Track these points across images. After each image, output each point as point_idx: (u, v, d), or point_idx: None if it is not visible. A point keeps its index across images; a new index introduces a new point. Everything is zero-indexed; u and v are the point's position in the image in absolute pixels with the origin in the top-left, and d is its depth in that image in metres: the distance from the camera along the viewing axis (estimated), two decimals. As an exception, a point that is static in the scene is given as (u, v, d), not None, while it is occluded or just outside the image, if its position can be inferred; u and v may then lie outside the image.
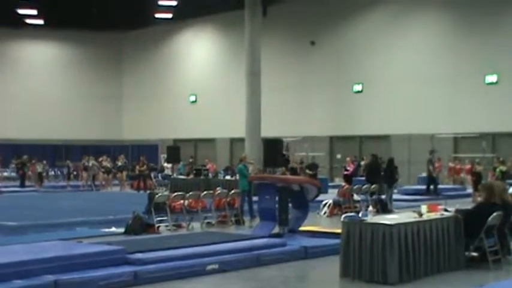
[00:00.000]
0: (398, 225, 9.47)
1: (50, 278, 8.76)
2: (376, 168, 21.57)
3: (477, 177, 23.76)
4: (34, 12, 38.01)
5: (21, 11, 37.72)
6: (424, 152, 30.87)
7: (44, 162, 33.81)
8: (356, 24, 34.35)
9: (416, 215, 10.30)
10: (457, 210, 10.77)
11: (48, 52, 44.21)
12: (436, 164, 29.60)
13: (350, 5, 34.41)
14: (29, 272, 8.79)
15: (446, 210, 10.85)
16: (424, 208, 10.65)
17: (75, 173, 33.74)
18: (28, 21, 40.00)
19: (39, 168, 32.21)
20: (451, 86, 30.79)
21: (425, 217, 10.22)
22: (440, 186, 26.75)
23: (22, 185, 31.66)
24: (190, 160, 33.55)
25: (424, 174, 29.37)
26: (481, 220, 10.26)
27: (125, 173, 31.88)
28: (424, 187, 25.97)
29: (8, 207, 20.39)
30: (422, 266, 9.72)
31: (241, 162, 18.44)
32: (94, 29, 42.56)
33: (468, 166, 27.96)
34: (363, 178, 23.10)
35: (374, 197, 20.55)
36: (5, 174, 36.36)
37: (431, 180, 25.58)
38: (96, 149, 37.60)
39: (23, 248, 10.44)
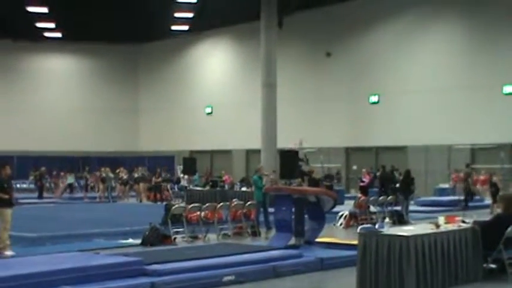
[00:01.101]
0: (415, 237, 9.42)
1: (68, 289, 8.82)
2: (387, 180, 21.52)
3: (495, 188, 23.58)
4: (52, 25, 38.41)
5: (39, 25, 38.13)
6: (440, 163, 30.77)
7: (68, 173, 34.24)
8: (372, 36, 34.34)
9: (433, 226, 10.24)
10: (474, 222, 10.69)
11: (66, 65, 44.58)
12: (453, 175, 29.45)
13: (366, 16, 34.40)
14: (48, 283, 8.85)
15: (463, 221, 10.77)
16: (441, 219, 10.58)
17: (92, 184, 33.90)
18: (46, 34, 40.43)
19: (70, 179, 32.80)
20: (468, 96, 30.65)
21: (442, 228, 10.16)
22: (457, 197, 26.57)
23: (40, 197, 31.87)
24: (206, 172, 33.64)
25: (442, 186, 29.29)
26: (500, 231, 10.18)
27: (142, 185, 31.92)
28: (441, 198, 25.79)
29: (27, 219, 20.52)
30: (440, 278, 9.65)
31: (256, 173, 18.47)
32: (111, 42, 42.90)
33: (482, 177, 27.74)
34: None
35: (390, 208, 20.47)
36: (24, 185, 36.66)
37: (468, 194, 25.23)
38: (113, 161, 37.76)
39: (42, 259, 10.52)
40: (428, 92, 31.77)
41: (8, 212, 13.06)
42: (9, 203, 13.16)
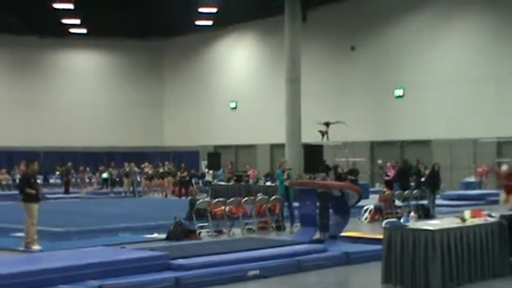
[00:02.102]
0: (441, 231, 9.37)
1: (94, 283, 8.91)
2: (406, 174, 21.41)
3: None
4: (77, 21, 38.69)
5: (65, 21, 38.44)
6: (466, 157, 30.48)
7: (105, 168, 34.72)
8: (396, 29, 34.11)
9: (459, 220, 10.18)
10: (501, 216, 10.60)
11: (91, 60, 44.91)
12: (480, 169, 29.14)
13: (390, 9, 34.16)
14: (74, 277, 8.97)
15: (490, 215, 10.68)
16: (467, 214, 10.51)
17: (117, 179, 34.19)
18: (71, 30, 40.75)
19: (105, 174, 33.29)
20: (494, 89, 30.31)
21: (468, 223, 10.09)
22: (484, 191, 26.35)
23: (66, 192, 32.22)
24: (230, 166, 33.71)
25: (468, 179, 29.00)
26: (526, 226, 10.10)
27: (168, 179, 32.06)
28: (468, 192, 25.58)
29: (54, 214, 20.76)
30: (466, 273, 9.59)
31: (280, 167, 18.48)
32: (135, 37, 43.13)
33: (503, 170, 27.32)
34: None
35: (415, 202, 20.37)
36: (51, 181, 37.09)
37: None
38: (138, 156, 37.99)
39: (68, 254, 10.66)
40: (453, 85, 31.48)
41: (35, 206, 13.24)
42: (36, 198, 13.33)
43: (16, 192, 31.40)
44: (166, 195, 31.15)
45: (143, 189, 32.16)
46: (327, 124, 29.19)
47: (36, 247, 13.06)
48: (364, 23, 35.05)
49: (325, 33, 36.86)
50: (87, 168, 37.01)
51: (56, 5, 34.81)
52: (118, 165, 35.71)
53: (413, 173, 24.45)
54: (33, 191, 13.26)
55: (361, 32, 35.25)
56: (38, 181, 15.45)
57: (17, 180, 34.68)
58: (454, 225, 9.87)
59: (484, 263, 9.88)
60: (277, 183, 18.39)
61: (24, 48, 42.08)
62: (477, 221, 10.28)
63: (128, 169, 32.38)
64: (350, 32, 35.61)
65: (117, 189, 33.00)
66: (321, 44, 36.94)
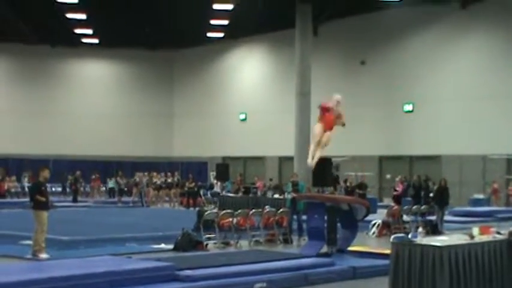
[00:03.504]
0: (449, 248, 9.32)
1: (101, 292, 8.91)
2: (421, 189, 21.34)
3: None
4: (90, 31, 38.93)
5: (77, 31, 38.69)
6: (475, 173, 30.38)
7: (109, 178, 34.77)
8: (407, 44, 34.12)
9: (467, 237, 10.12)
10: (510, 233, 10.53)
11: (102, 70, 45.12)
12: (496, 185, 29.00)
13: (401, 24, 34.18)
14: (80, 287, 8.97)
15: (498, 233, 10.62)
16: (475, 230, 10.44)
17: (126, 189, 34.23)
18: (84, 40, 41.00)
19: (111, 183, 33.42)
20: (504, 105, 30.23)
21: (477, 240, 10.03)
22: (492, 208, 26.22)
23: (75, 200, 32.27)
24: (239, 178, 33.68)
25: (477, 196, 28.88)
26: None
27: (174, 190, 32.12)
28: (476, 209, 25.47)
29: (61, 222, 20.78)
30: (474, 290, 9.53)
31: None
32: (147, 48, 43.32)
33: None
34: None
35: (424, 218, 20.28)
36: (59, 189, 37.15)
37: None
38: (147, 166, 38.04)
39: (75, 263, 10.65)
40: (463, 101, 31.43)
41: (45, 214, 13.28)
42: (45, 206, 13.37)
43: (25, 199, 31.58)
44: (174, 206, 31.13)
45: (151, 199, 32.17)
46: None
47: (43, 255, 13.08)
48: (374, 37, 35.08)
49: (336, 47, 36.91)
50: (97, 176, 37.06)
51: (69, 15, 35.05)
52: (127, 175, 35.75)
53: (430, 189, 24.35)
54: (43, 199, 13.31)
55: (371, 46, 35.27)
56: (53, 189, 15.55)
57: (26, 188, 34.94)
58: (463, 241, 9.81)
59: (492, 280, 9.80)
60: (286, 195, 18.39)
61: (36, 57, 42.35)
62: (486, 238, 10.21)
63: (137, 179, 32.44)
64: (360, 46, 35.64)
65: (124, 198, 33.03)
66: (331, 58, 36.98)
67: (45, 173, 13.73)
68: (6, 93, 42.19)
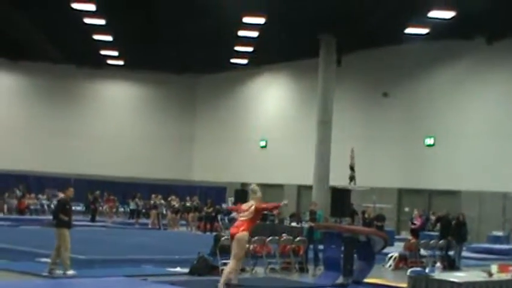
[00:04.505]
0: (466, 284, 9.24)
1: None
2: (449, 225, 21.11)
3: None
4: (115, 53, 39.38)
5: (103, 52, 39.16)
6: (495, 210, 30.09)
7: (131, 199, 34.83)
8: (430, 77, 34.07)
9: (485, 274, 10.02)
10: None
11: (126, 91, 45.53)
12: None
13: (425, 57, 34.17)
14: (96, 306, 8.99)
15: (517, 271, 10.51)
16: (494, 268, 10.35)
17: (144, 211, 34.31)
18: (109, 61, 41.46)
19: (132, 204, 33.44)
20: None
21: (495, 277, 9.93)
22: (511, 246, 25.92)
23: (93, 220, 32.40)
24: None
25: (496, 233, 28.58)
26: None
27: (192, 214, 32.15)
28: (495, 246, 25.17)
29: (78, 241, 20.85)
30: (490, 328, 9.42)
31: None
32: (170, 72, 43.67)
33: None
34: (430, 233, 22.64)
35: (441, 252, 20.10)
36: (78, 208, 37.32)
37: None
38: (165, 189, 38.14)
39: (90, 282, 10.71)
40: (485, 137, 31.24)
41: (66, 232, 13.36)
42: (68, 224, 13.47)
43: (44, 217, 31.82)
44: (191, 230, 31.13)
45: (168, 223, 32.20)
46: (352, 168, 29.02)
47: (70, 272, 13.08)
48: (398, 70, 35.09)
49: (359, 78, 36.96)
50: (114, 197, 37.21)
51: (96, 37, 35.53)
52: (145, 197, 35.85)
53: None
54: (66, 218, 13.42)
55: (394, 79, 35.28)
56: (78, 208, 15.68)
57: (45, 206, 35.20)
58: (481, 278, 9.73)
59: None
60: (304, 224, 18.34)
61: (61, 77, 42.88)
62: (504, 276, 10.12)
63: (157, 201, 32.55)
64: (383, 78, 35.66)
65: (142, 220, 33.09)
66: (353, 88, 37.02)
67: (70, 192, 13.91)
68: (31, 111, 42.69)
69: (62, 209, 13.50)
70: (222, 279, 11.15)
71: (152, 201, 32.95)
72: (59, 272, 13.12)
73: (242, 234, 11.02)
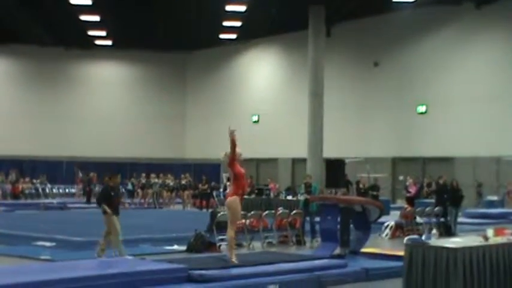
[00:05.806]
0: (463, 249, 9.27)
1: (114, 293, 8.93)
2: (445, 192, 21.16)
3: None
4: (103, 33, 39.07)
5: (91, 33, 38.85)
6: (489, 175, 30.19)
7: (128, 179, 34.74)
8: (420, 45, 33.98)
9: (481, 239, 10.05)
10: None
11: (115, 72, 45.28)
12: (508, 188, 28.82)
13: (414, 25, 34.06)
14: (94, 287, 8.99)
15: (513, 234, 10.55)
16: (490, 232, 10.37)
17: (139, 190, 34.28)
18: (97, 42, 41.16)
19: (129, 185, 33.35)
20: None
21: (491, 241, 9.96)
22: (507, 210, 26.04)
23: (88, 201, 32.38)
24: (249, 181, 33.60)
25: (491, 198, 28.72)
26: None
27: (187, 192, 32.22)
28: (490, 210, 25.31)
29: (75, 223, 20.90)
30: (488, 292, 9.47)
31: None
32: (159, 50, 43.43)
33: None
34: (425, 200, 22.71)
35: (437, 219, 20.18)
36: (72, 190, 37.30)
37: None
38: (160, 167, 38.09)
39: (88, 264, 10.70)
40: (477, 102, 31.25)
41: (114, 218, 13.02)
42: (114, 211, 13.10)
43: (39, 201, 31.79)
44: (187, 207, 31.17)
45: (164, 201, 32.21)
46: None
47: (126, 256, 12.65)
48: (387, 39, 34.99)
49: (349, 48, 36.84)
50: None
51: (83, 17, 35.21)
52: (138, 177, 35.79)
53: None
54: (108, 210, 12.94)
55: (384, 48, 35.18)
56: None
57: (47, 190, 35.34)
58: (477, 243, 9.75)
59: (507, 283, 9.74)
60: (299, 197, 18.37)
61: (50, 60, 42.61)
62: (500, 239, 10.15)
63: (144, 181, 32.56)
64: (373, 47, 35.55)
65: (137, 200, 33.12)
66: (344, 59, 36.91)
67: (117, 179, 13.61)
68: (20, 95, 42.46)
69: (107, 196, 13.18)
70: (229, 253, 11.22)
71: (144, 180, 32.92)
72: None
73: (229, 199, 11.28)
